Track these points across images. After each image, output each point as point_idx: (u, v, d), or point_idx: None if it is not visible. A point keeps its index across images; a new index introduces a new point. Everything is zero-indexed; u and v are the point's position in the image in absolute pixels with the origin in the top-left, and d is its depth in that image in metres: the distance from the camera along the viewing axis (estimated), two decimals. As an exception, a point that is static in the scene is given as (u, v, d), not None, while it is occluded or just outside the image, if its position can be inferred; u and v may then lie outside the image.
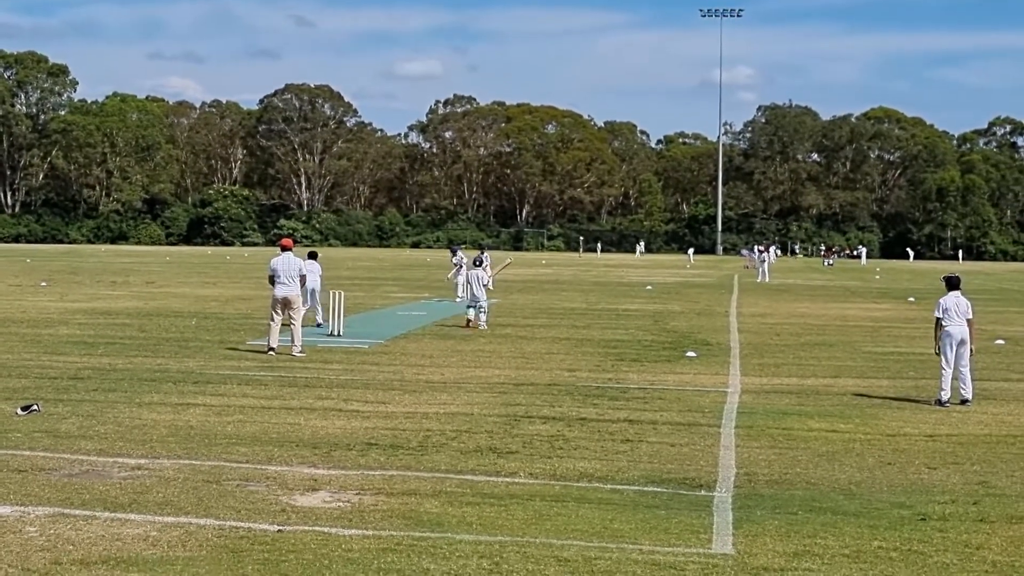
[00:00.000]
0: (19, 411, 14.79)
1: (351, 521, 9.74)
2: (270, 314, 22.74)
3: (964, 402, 17.29)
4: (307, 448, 12.89)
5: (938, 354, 17.73)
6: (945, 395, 17.28)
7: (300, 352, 21.84)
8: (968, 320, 17.58)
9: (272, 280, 22.56)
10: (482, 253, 37.17)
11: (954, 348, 17.46)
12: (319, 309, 27.81)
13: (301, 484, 11.12)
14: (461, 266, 39.98)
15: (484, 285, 29.54)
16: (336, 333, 25.76)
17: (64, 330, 26.23)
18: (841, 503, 10.82)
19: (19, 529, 9.27)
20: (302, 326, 22.75)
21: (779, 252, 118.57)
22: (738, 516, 10.22)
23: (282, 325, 22.54)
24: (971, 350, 17.66)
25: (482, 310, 28.82)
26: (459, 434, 13.96)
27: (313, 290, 27.25)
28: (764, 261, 65.82)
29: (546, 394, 17.53)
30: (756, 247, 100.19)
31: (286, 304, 22.31)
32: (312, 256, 28.30)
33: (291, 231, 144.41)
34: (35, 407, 14.98)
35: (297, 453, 12.61)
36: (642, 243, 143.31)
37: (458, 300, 38.92)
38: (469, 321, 28.85)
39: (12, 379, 17.97)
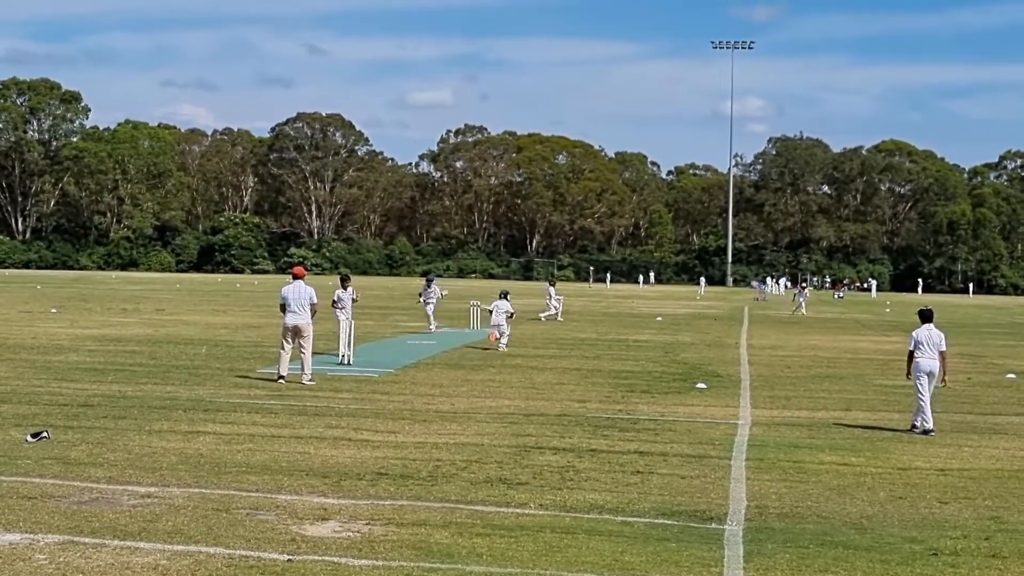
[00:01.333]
0: (29, 438, 14.80)
1: (361, 551, 9.73)
2: (280, 342, 22.78)
3: (926, 432, 17.47)
4: (317, 477, 12.88)
5: (908, 377, 18.27)
6: (923, 423, 17.77)
7: (310, 380, 21.86)
8: (941, 352, 17.83)
9: (283, 308, 22.59)
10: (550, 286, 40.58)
11: (923, 379, 17.73)
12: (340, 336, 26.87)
13: (311, 514, 11.11)
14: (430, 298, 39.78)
15: (510, 316, 31.91)
16: (347, 362, 25.75)
17: (74, 357, 26.27)
18: (853, 537, 10.78)
19: (29, 556, 9.27)
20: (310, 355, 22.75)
21: (788, 284, 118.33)
22: (749, 549, 10.18)
23: (292, 354, 22.61)
24: (943, 380, 18.07)
25: (503, 334, 31.24)
26: (469, 464, 13.94)
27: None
28: (804, 295, 65.07)
29: (556, 425, 17.51)
30: (780, 279, 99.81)
31: (296, 332, 22.33)
32: (344, 281, 28.45)
33: (301, 259, 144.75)
34: (45, 434, 15.00)
35: (307, 482, 12.60)
36: (652, 273, 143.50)
37: (432, 329, 38.48)
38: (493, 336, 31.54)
39: (22, 405, 18.00)
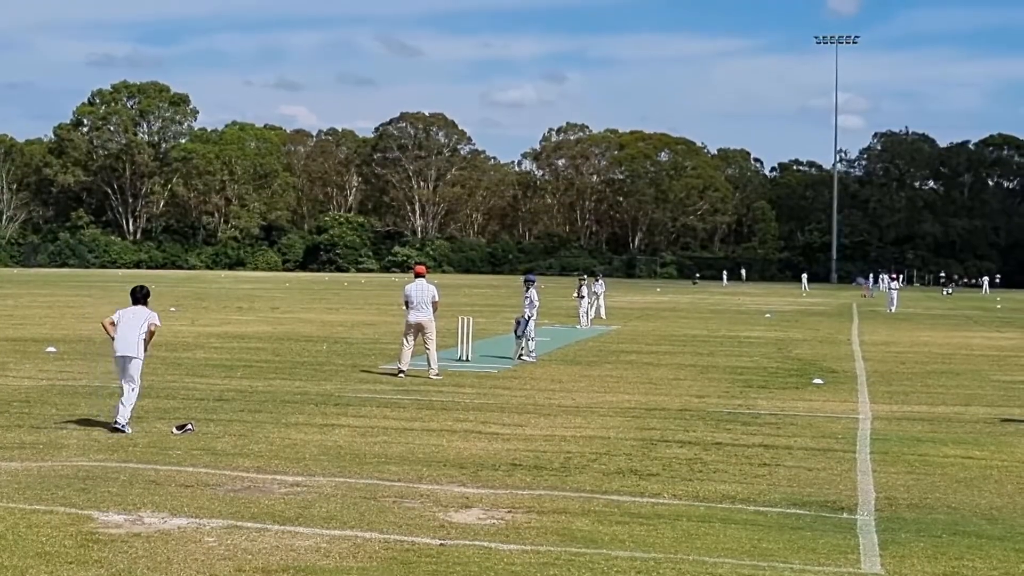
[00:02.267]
0: (175, 430, 15.46)
1: (508, 537, 10.14)
2: (402, 339, 23.34)
3: None
4: (454, 468, 13.33)
5: None
6: None
7: (436, 375, 22.40)
8: None
9: (407, 305, 23.17)
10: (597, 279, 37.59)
11: None
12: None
13: (454, 502, 11.55)
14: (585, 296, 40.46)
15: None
16: (465, 358, 26.24)
17: (201, 353, 27.05)
18: (984, 527, 10.99)
19: (198, 539, 9.82)
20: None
21: (886, 279, 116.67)
22: (883, 538, 10.43)
23: (414, 349, 23.19)
24: None
25: (531, 339, 27.53)
26: (599, 456, 14.32)
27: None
28: (895, 290, 64.21)
29: (679, 419, 17.82)
30: (882, 275, 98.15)
31: (419, 329, 22.90)
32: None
33: (405, 258, 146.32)
34: (189, 426, 15.65)
35: (445, 473, 13.05)
36: (743, 270, 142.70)
37: (578, 327, 39.43)
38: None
39: (161, 400, 18.66)
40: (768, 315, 52.56)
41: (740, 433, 16.53)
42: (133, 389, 15.66)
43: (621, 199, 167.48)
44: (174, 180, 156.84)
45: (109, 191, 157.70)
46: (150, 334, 16.02)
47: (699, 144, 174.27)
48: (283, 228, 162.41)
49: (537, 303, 28.60)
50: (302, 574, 8.88)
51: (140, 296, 16.33)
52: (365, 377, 22.84)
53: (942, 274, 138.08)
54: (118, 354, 15.83)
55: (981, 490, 12.78)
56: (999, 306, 72.22)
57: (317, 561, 9.23)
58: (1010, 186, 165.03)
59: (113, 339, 15.92)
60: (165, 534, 9.98)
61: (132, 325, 15.88)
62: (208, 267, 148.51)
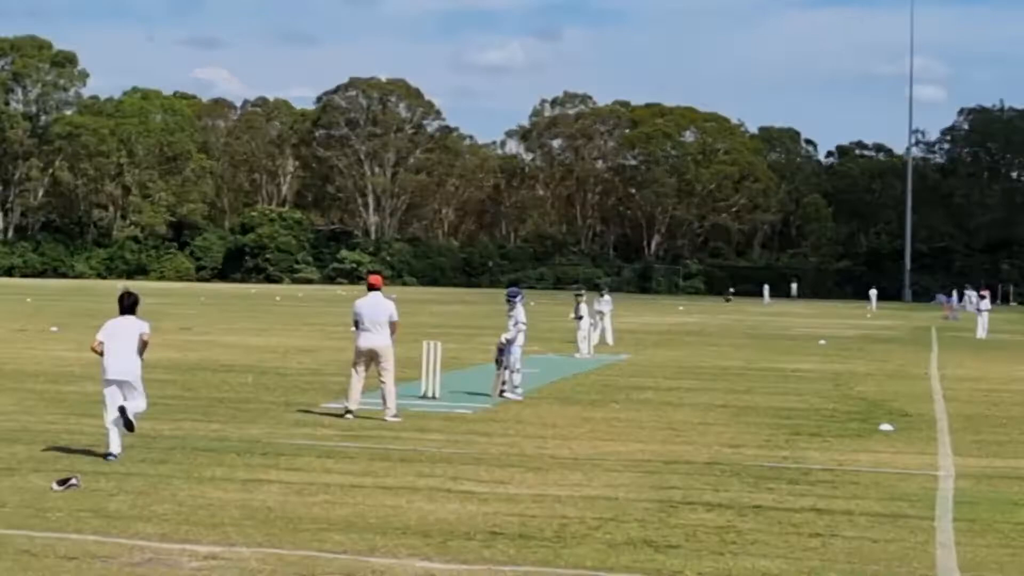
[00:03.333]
0: (55, 486, 15.43)
1: (485, 627, 10.16)
2: (351, 369, 23.27)
3: None
4: (416, 537, 13.31)
5: None
6: None
7: (395, 417, 22.37)
8: None
9: (357, 326, 23.12)
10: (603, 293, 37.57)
11: None
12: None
13: (416, 581, 11.57)
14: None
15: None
16: (431, 395, 26.21)
17: (90, 386, 26.86)
18: (1097, 616, 11.03)
19: (84, 628, 9.81)
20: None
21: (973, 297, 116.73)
22: (969, 631, 10.47)
23: (366, 383, 23.15)
24: None
25: (516, 371, 27.63)
26: (603, 523, 14.31)
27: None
28: (985, 310, 64.33)
29: (707, 475, 17.83)
30: (969, 291, 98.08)
31: (372, 357, 22.84)
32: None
33: (354, 265, 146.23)
34: (73, 481, 15.62)
35: (405, 542, 13.03)
36: (794, 285, 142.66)
37: (576, 356, 39.55)
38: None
39: (37, 446, 18.66)
40: (823, 341, 52.69)
41: (785, 494, 16.55)
42: (137, 412, 17.51)
43: (634, 191, 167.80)
44: (57, 163, 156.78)
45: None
46: (143, 346, 17.54)
47: (735, 121, 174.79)
48: (198, 226, 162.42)
49: (524, 324, 28.58)
50: (218, 673, 8.88)
51: (128, 304, 17.81)
52: (302, 418, 22.85)
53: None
54: (110, 377, 17.29)
55: (1094, 569, 12.82)
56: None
57: (238, 657, 9.23)
58: None
59: (103, 360, 17.39)
60: (41, 620, 9.96)
61: (124, 340, 17.44)
62: (100, 275, 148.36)
